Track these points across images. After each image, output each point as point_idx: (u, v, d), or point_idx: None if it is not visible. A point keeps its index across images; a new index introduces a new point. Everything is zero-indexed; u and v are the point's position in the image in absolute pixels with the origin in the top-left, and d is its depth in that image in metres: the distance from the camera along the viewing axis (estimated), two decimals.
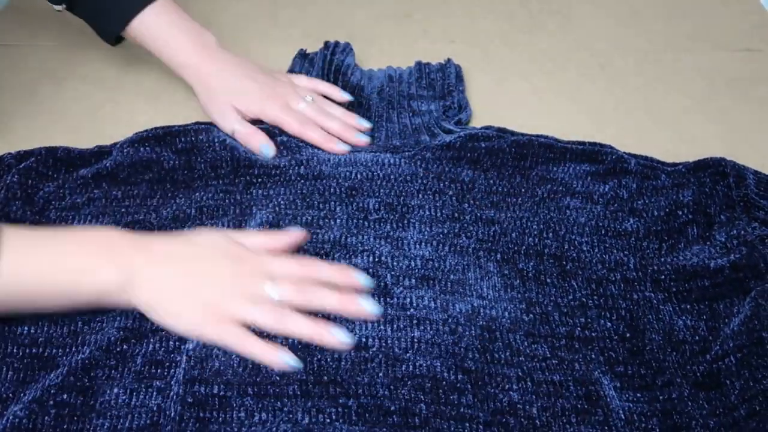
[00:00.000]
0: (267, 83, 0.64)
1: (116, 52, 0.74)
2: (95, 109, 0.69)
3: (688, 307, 0.52)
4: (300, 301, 0.49)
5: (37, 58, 0.75)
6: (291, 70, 0.72)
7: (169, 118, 0.67)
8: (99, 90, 0.71)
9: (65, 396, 0.46)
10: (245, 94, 0.63)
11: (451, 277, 0.53)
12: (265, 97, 0.63)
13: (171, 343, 0.49)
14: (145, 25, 0.62)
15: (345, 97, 0.67)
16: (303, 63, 0.73)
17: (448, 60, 0.73)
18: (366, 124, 0.65)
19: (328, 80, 0.69)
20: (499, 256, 0.55)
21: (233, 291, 0.48)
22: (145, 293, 0.47)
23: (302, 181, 0.59)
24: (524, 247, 0.56)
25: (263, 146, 0.61)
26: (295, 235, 0.54)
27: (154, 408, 0.46)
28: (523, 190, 0.59)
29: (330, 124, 0.63)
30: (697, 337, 0.51)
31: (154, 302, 0.48)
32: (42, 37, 0.77)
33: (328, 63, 0.70)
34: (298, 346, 0.48)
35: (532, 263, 0.55)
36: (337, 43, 0.73)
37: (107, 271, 0.47)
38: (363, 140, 0.63)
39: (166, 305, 0.48)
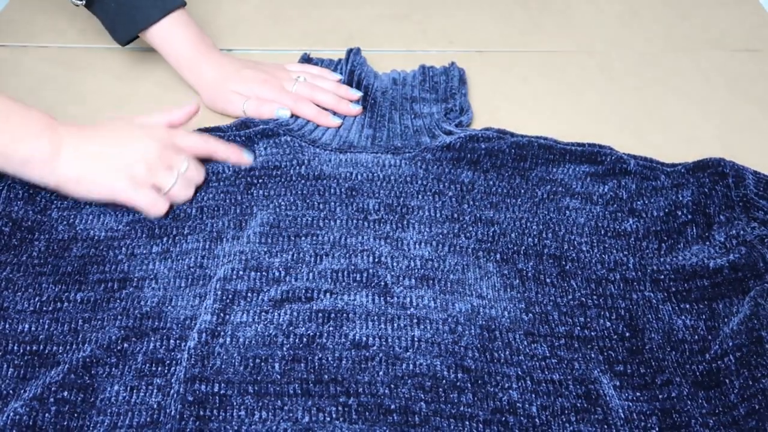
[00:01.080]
0: (262, 70, 0.69)
1: (117, 53, 0.74)
2: (95, 111, 0.69)
3: (688, 306, 0.52)
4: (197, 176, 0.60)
5: (37, 58, 0.75)
6: None
7: None
8: (99, 91, 0.71)
9: (66, 393, 0.46)
10: (244, 81, 0.67)
11: (451, 276, 0.54)
12: (262, 82, 0.67)
13: (172, 341, 0.49)
14: (158, 32, 0.67)
15: (336, 76, 0.71)
16: None
17: (452, 63, 0.73)
18: (357, 94, 0.69)
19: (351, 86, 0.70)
20: (498, 256, 0.55)
21: (152, 162, 0.57)
22: (73, 167, 0.55)
23: (303, 181, 0.59)
24: (524, 248, 0.56)
25: (278, 110, 0.66)
26: (187, 108, 0.62)
27: (155, 406, 0.46)
28: (522, 190, 0.60)
29: (322, 98, 0.67)
30: (696, 337, 0.51)
31: (81, 174, 0.55)
32: (42, 37, 0.77)
33: (350, 73, 0.71)
34: (300, 345, 0.48)
35: (531, 263, 0.55)
36: (357, 51, 0.74)
37: (39, 142, 0.54)
38: (355, 110, 0.67)
39: (92, 176, 0.55)
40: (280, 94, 0.67)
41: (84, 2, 0.66)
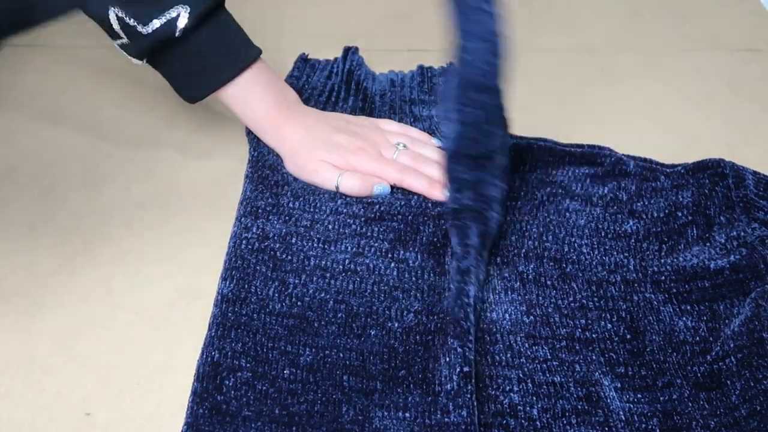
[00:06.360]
0: (357, 134, 0.60)
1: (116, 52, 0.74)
2: (96, 110, 0.69)
3: (689, 308, 0.52)
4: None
5: (37, 58, 0.75)
6: (291, 76, 0.71)
7: (168, 120, 0.67)
8: (100, 91, 0.71)
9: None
10: (336, 149, 0.59)
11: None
12: (357, 149, 0.59)
13: None
14: (233, 91, 0.59)
15: (436, 142, 0.63)
16: (304, 68, 0.72)
17: (450, 63, 0.72)
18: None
19: (348, 88, 0.69)
20: (498, 259, 0.55)
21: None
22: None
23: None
24: (524, 250, 0.56)
25: (377, 188, 0.58)
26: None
27: None
28: (522, 193, 0.60)
29: (430, 171, 0.59)
30: (697, 338, 0.51)
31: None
32: (42, 37, 0.77)
33: (348, 73, 0.70)
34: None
35: (532, 266, 0.55)
36: (355, 50, 0.73)
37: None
38: (444, 197, 0.58)
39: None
40: (380, 164, 0.58)
41: (144, 61, 0.58)
